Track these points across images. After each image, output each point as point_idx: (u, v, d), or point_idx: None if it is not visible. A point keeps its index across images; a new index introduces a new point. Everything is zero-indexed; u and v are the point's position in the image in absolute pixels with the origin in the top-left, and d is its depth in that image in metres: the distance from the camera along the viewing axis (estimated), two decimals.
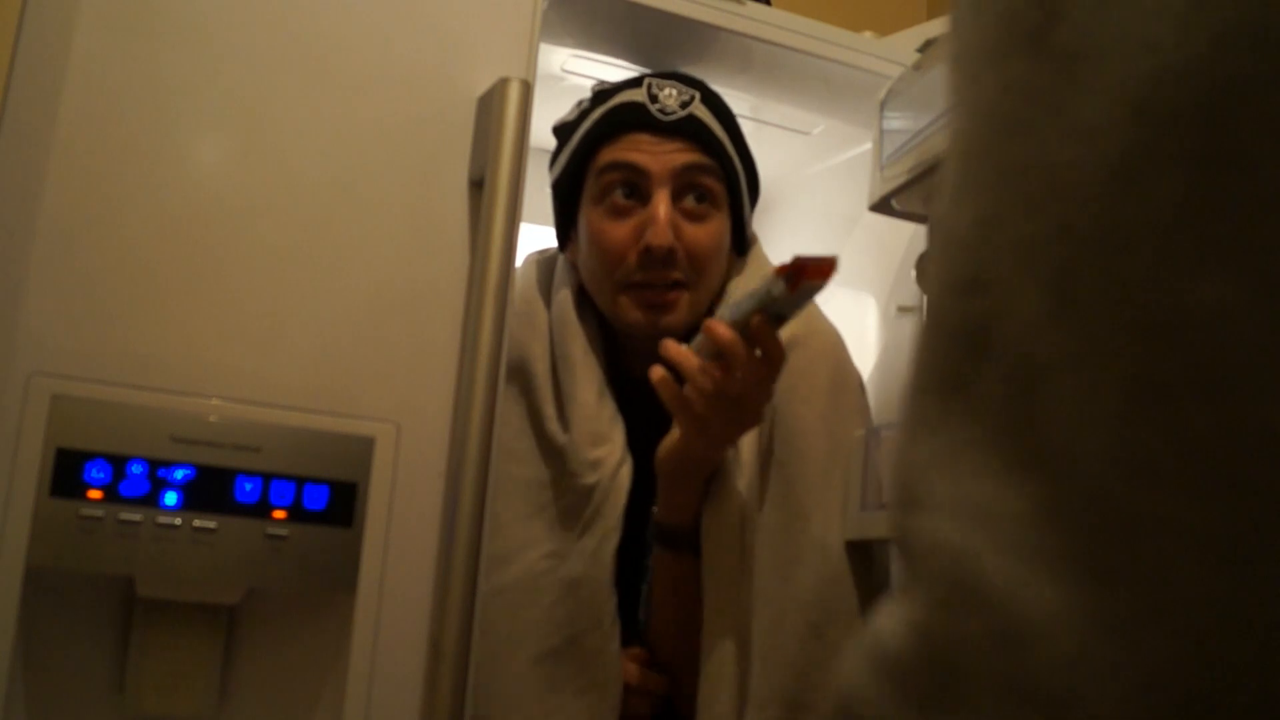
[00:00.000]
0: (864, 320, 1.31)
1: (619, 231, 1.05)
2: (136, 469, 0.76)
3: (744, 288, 1.06)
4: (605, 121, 1.07)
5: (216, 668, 0.81)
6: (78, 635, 0.79)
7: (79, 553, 0.74)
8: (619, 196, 1.06)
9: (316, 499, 0.80)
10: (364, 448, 0.82)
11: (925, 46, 1.08)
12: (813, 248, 0.89)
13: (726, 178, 1.09)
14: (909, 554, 0.29)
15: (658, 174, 1.05)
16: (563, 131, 1.13)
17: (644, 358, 0.97)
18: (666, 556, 1.02)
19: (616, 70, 1.15)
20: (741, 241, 1.14)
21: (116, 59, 0.80)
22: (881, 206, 1.03)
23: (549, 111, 1.14)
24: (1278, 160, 0.24)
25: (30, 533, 0.73)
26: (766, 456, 1.05)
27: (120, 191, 0.79)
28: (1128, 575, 0.25)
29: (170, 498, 0.76)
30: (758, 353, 0.91)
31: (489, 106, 0.85)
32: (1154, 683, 0.25)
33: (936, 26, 1.24)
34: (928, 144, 0.93)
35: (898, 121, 1.01)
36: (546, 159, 1.16)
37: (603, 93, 1.10)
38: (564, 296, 1.10)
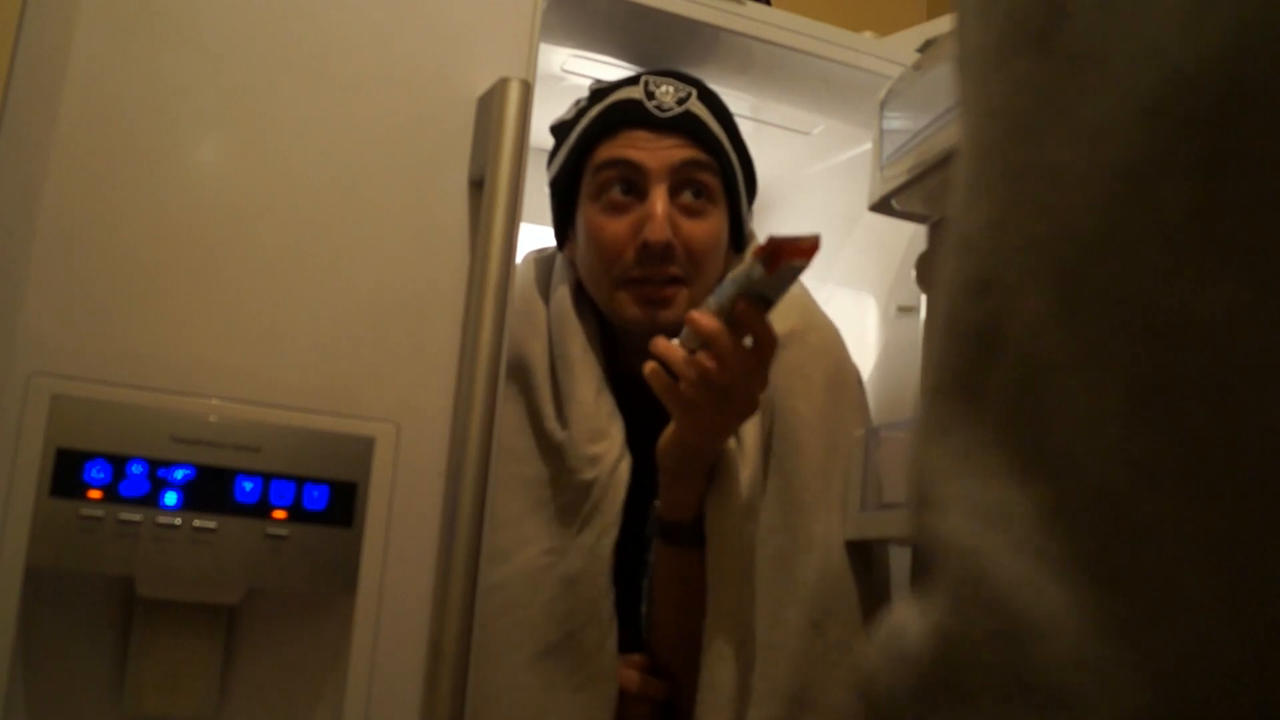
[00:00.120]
0: (864, 320, 1.31)
1: (616, 228, 1.05)
2: (136, 469, 0.76)
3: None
4: (602, 119, 1.07)
5: (216, 668, 0.81)
6: (78, 635, 0.79)
7: (79, 553, 0.74)
8: (616, 193, 1.06)
9: (316, 499, 0.80)
10: (364, 448, 0.82)
11: (925, 46, 1.08)
12: None
13: (723, 174, 1.09)
14: (926, 550, 0.29)
15: (655, 170, 1.05)
16: (560, 130, 1.13)
17: (642, 354, 0.97)
18: (668, 552, 1.02)
19: (617, 70, 1.15)
20: (739, 238, 1.14)
21: (116, 59, 0.79)
22: (881, 206, 1.03)
23: (549, 112, 1.14)
24: None
25: (30, 533, 0.73)
26: (766, 452, 1.06)
27: (120, 191, 0.79)
28: (1130, 577, 0.25)
29: (170, 498, 0.76)
30: (748, 341, 0.91)
31: (489, 106, 0.85)
32: (1156, 685, 0.25)
33: (936, 26, 1.24)
34: (928, 144, 0.93)
35: (898, 121, 1.01)
36: (546, 159, 1.16)
37: (599, 91, 1.10)
38: (562, 294, 1.10)
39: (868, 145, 1.19)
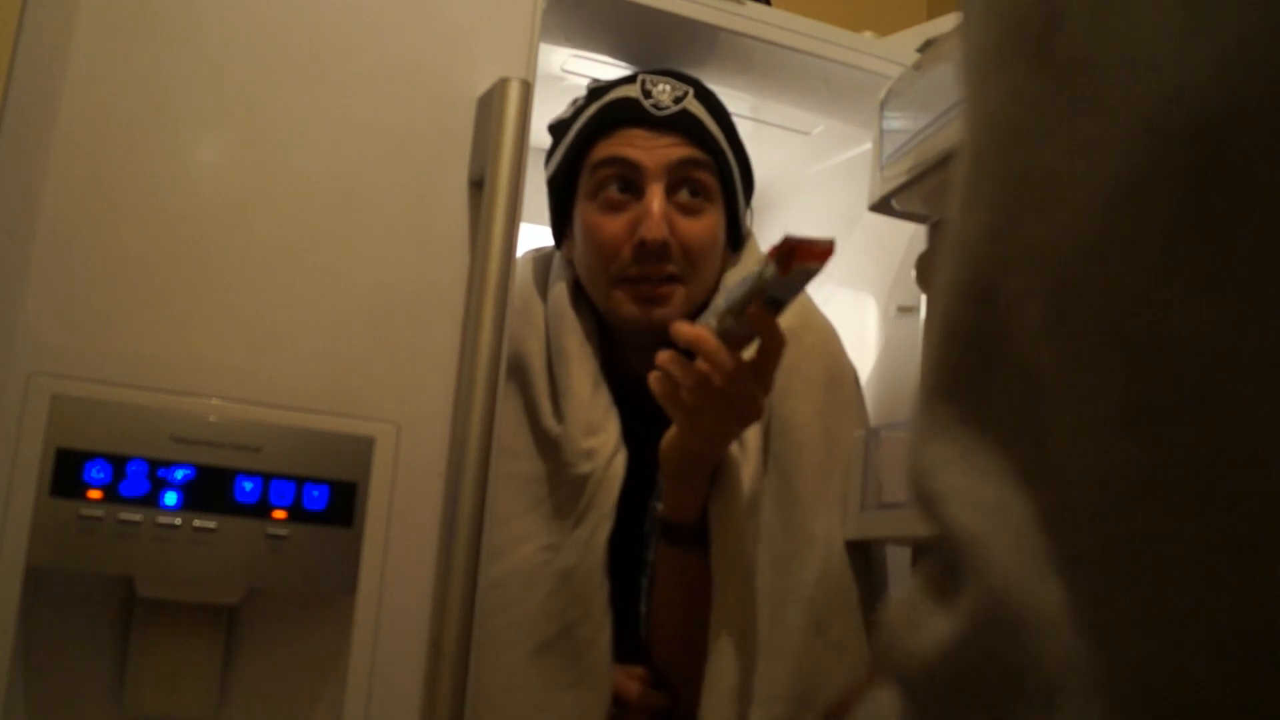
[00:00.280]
0: (864, 320, 1.31)
1: (613, 226, 1.05)
2: (136, 469, 0.76)
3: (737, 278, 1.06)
4: (599, 117, 1.07)
5: (216, 668, 0.81)
6: (78, 635, 0.79)
7: (79, 553, 0.74)
8: (613, 191, 1.06)
9: (316, 499, 0.80)
10: (364, 448, 0.82)
11: (925, 46, 1.08)
12: None
13: (720, 172, 1.09)
14: (934, 534, 0.29)
15: (652, 169, 1.05)
16: (558, 129, 1.13)
17: (640, 352, 0.97)
18: (670, 552, 1.02)
19: (617, 70, 1.15)
20: (736, 236, 1.14)
21: (116, 59, 0.79)
22: (881, 206, 1.03)
23: (549, 112, 1.14)
24: (1272, 183, 0.24)
25: (30, 533, 0.73)
26: (765, 452, 1.06)
27: (120, 191, 0.79)
28: (1116, 584, 0.26)
29: (170, 498, 0.76)
30: (755, 344, 0.91)
31: (489, 106, 0.85)
32: (1138, 690, 0.25)
33: (936, 26, 1.24)
34: (928, 144, 0.93)
35: (898, 121, 1.01)
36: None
37: (597, 89, 1.10)
38: (560, 291, 1.10)
39: (868, 145, 1.19)
